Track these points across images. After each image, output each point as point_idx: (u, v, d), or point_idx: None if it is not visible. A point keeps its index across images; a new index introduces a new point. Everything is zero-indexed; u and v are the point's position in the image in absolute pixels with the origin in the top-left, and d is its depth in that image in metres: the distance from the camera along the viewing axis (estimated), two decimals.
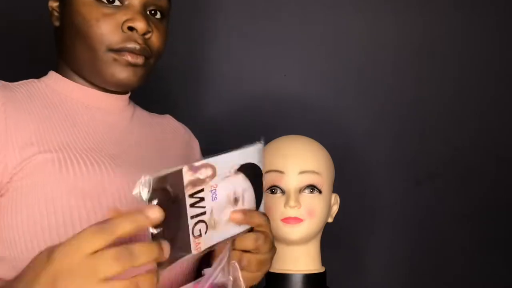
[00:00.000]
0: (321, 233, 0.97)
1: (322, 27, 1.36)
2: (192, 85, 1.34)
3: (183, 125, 0.97)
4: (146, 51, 0.75)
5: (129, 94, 0.85)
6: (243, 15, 1.35)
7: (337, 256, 1.22)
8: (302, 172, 0.92)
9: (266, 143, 0.87)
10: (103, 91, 0.80)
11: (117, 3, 0.74)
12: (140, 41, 0.74)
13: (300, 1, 1.36)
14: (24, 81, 0.78)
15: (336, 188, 1.00)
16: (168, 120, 0.94)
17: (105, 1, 0.74)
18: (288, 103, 1.34)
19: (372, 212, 1.35)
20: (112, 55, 0.74)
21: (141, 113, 0.89)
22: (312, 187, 0.92)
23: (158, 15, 0.78)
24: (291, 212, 0.90)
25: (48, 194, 0.65)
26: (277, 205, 0.92)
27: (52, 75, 0.80)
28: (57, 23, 0.79)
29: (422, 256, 1.35)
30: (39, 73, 0.83)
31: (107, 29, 0.73)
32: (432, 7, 1.37)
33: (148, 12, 0.77)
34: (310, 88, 1.35)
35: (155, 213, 0.48)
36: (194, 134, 0.98)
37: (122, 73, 0.75)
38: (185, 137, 0.95)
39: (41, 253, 0.50)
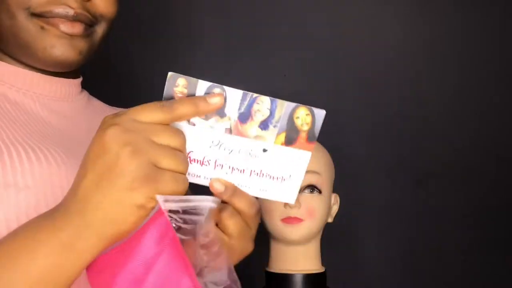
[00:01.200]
0: (321, 233, 0.97)
1: (322, 27, 1.36)
2: None
3: None
4: (84, 17, 0.59)
5: (80, 79, 0.70)
6: (243, 15, 1.35)
7: (337, 256, 1.22)
8: None
9: None
10: (44, 73, 0.64)
11: None
12: (73, 4, 0.58)
13: (301, 1, 1.36)
14: None
15: (336, 188, 1.00)
16: None
17: None
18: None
19: (372, 212, 1.35)
20: (37, 22, 0.58)
21: (98, 104, 0.74)
22: (312, 187, 0.92)
23: None
24: (291, 212, 0.90)
25: None
26: (277, 205, 0.91)
27: None
28: None
29: (422, 256, 1.35)
30: None
31: None
32: (432, 7, 1.37)
33: None
34: (310, 88, 1.35)
35: (217, 100, 0.46)
36: None
37: (55, 47, 0.59)
38: None
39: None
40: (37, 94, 0.64)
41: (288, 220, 0.90)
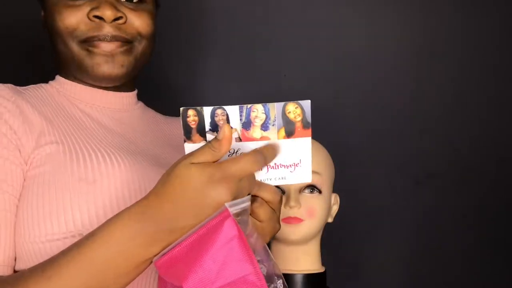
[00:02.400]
0: (321, 233, 0.97)
1: (322, 27, 1.36)
2: (192, 86, 1.34)
3: None
4: (120, 37, 0.73)
5: (135, 92, 0.85)
6: (243, 14, 1.35)
7: (337, 256, 1.22)
8: None
9: None
10: (105, 89, 0.80)
11: None
12: (110, 28, 0.72)
13: (301, 1, 1.36)
14: (33, 85, 0.79)
15: (336, 188, 1.00)
16: (177, 120, 0.94)
17: None
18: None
19: (372, 212, 1.35)
20: (84, 46, 0.73)
21: (153, 114, 0.89)
22: (312, 187, 0.92)
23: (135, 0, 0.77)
24: (291, 212, 0.90)
25: (60, 184, 0.65)
26: None
27: (58, 79, 0.81)
28: (45, 28, 0.80)
29: (422, 256, 1.35)
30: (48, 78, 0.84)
31: (72, 21, 0.72)
32: (432, 7, 1.37)
33: None
34: (310, 88, 1.35)
35: (226, 132, 0.55)
36: None
37: (101, 66, 0.73)
38: None
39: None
40: (101, 107, 0.79)
41: (288, 220, 0.90)
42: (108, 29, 0.72)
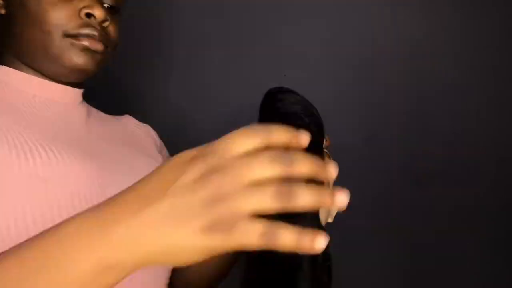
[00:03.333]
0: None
1: (322, 27, 1.35)
2: (191, 86, 1.34)
3: (144, 123, 0.95)
4: (104, 39, 0.75)
5: (82, 90, 0.81)
6: (243, 14, 1.35)
7: (337, 256, 1.22)
8: None
9: None
10: (56, 82, 0.77)
11: None
12: (98, 28, 0.73)
13: (301, 1, 1.36)
14: None
15: None
16: (128, 119, 0.92)
17: None
18: None
19: (372, 212, 1.34)
20: (69, 40, 0.72)
21: (96, 112, 0.87)
22: None
23: (113, 9, 0.79)
24: None
25: (8, 182, 0.61)
26: None
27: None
28: (2, 11, 0.76)
29: (422, 256, 1.35)
30: None
31: (63, 14, 0.71)
32: (432, 7, 1.36)
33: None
34: (309, 88, 1.35)
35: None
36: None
37: (80, 58, 0.73)
38: (149, 131, 0.93)
39: (170, 162, 0.42)
40: (49, 100, 0.75)
41: None
42: (97, 28, 0.73)
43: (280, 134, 0.41)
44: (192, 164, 0.40)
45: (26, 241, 0.46)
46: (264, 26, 1.35)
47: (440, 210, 1.35)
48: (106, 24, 0.75)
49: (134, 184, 0.43)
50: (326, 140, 0.73)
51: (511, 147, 1.36)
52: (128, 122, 0.91)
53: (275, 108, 0.66)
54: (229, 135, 0.41)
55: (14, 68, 0.76)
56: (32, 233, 0.60)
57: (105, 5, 0.77)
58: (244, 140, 0.40)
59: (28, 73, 0.76)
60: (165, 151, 0.94)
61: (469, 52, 1.37)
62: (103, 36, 0.74)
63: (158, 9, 1.33)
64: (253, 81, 1.35)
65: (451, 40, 1.37)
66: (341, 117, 1.35)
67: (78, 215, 0.44)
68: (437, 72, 1.36)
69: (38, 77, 0.76)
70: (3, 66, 0.76)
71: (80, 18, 0.72)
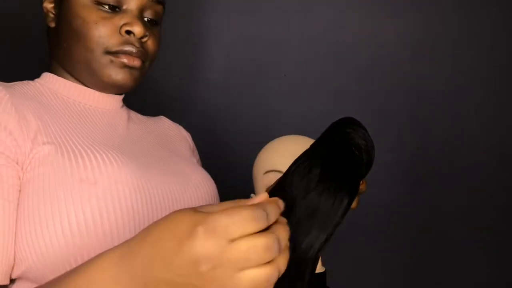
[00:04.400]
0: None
1: (322, 27, 1.36)
2: (191, 86, 1.34)
3: (177, 124, 0.98)
4: (142, 54, 0.77)
5: (123, 96, 0.85)
6: (243, 14, 1.35)
7: (337, 256, 1.22)
8: None
9: (266, 143, 0.87)
10: (96, 90, 0.81)
11: (115, 7, 0.77)
12: (137, 44, 0.76)
13: (301, 1, 1.36)
14: (19, 82, 0.78)
15: None
16: (163, 120, 0.96)
17: (104, 5, 0.76)
18: (288, 103, 1.34)
19: (372, 212, 1.35)
20: (109, 57, 0.75)
21: (135, 115, 0.91)
22: None
23: (153, 22, 0.81)
24: None
25: (60, 185, 0.64)
26: None
27: (47, 76, 0.81)
28: (52, 24, 0.80)
29: (422, 256, 1.35)
30: (29, 75, 0.82)
31: (105, 32, 0.75)
32: (432, 7, 1.37)
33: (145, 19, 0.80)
34: (310, 88, 1.35)
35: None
36: (194, 136, 0.99)
37: (118, 75, 0.76)
38: (183, 133, 0.97)
39: (158, 225, 0.46)
40: (93, 107, 0.80)
41: None
42: (136, 45, 0.76)
43: (274, 214, 0.45)
44: (193, 239, 0.43)
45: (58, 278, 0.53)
46: (265, 25, 1.35)
47: (440, 210, 1.35)
48: (145, 39, 0.78)
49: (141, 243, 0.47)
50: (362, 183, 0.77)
51: (511, 147, 1.36)
52: (163, 123, 0.94)
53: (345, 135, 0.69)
54: (232, 216, 0.43)
55: (60, 76, 0.80)
56: (83, 236, 0.62)
57: (146, 18, 0.80)
58: (244, 228, 0.42)
59: (73, 82, 0.80)
60: (196, 152, 0.97)
61: (469, 52, 1.37)
62: (142, 52, 0.77)
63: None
64: (253, 81, 1.35)
65: (451, 40, 1.37)
66: (341, 116, 1.34)
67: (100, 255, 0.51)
68: (437, 72, 1.36)
69: (80, 85, 0.80)
70: (49, 74, 0.81)
71: (121, 35, 0.75)
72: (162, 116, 0.97)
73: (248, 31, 1.35)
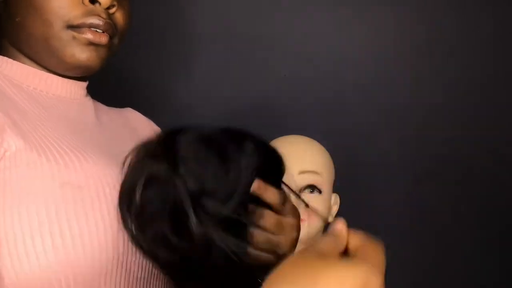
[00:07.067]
0: (321, 233, 0.97)
1: (322, 27, 1.35)
2: (191, 86, 1.34)
3: (147, 118, 0.89)
4: (110, 28, 0.66)
5: (87, 83, 0.75)
6: (243, 14, 1.35)
7: None
8: (302, 172, 0.92)
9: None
10: (59, 76, 0.70)
11: None
12: (103, 15, 0.65)
13: (301, 1, 1.36)
14: None
15: (336, 188, 1.00)
16: (133, 113, 0.86)
17: None
18: (288, 103, 1.34)
19: (372, 212, 1.34)
20: (71, 32, 0.64)
21: (100, 105, 0.80)
22: (312, 187, 0.92)
23: None
24: None
25: (39, 187, 0.56)
26: None
27: (1, 60, 0.69)
28: None
29: (422, 256, 1.35)
30: None
31: (66, 1, 0.64)
32: (432, 7, 1.37)
33: None
34: (310, 88, 1.35)
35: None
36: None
37: (83, 54, 0.65)
38: (154, 128, 0.87)
39: None
40: (56, 96, 0.69)
41: None
42: (102, 16, 0.65)
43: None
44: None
45: None
46: (265, 25, 1.35)
47: (440, 210, 1.35)
48: (113, 10, 0.67)
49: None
50: None
51: (511, 147, 1.36)
52: (131, 116, 0.84)
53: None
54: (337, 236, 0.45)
55: (14, 59, 0.69)
56: (69, 245, 0.56)
57: None
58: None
59: (29, 65, 0.68)
60: None
61: (469, 52, 1.36)
62: (109, 25, 0.66)
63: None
64: (253, 81, 1.35)
65: (451, 40, 1.37)
66: (341, 117, 1.35)
67: None
68: (437, 72, 1.36)
69: (40, 70, 0.69)
70: (3, 57, 0.69)
71: (84, 5, 0.64)
72: (129, 108, 0.86)
73: (247, 29, 1.35)
